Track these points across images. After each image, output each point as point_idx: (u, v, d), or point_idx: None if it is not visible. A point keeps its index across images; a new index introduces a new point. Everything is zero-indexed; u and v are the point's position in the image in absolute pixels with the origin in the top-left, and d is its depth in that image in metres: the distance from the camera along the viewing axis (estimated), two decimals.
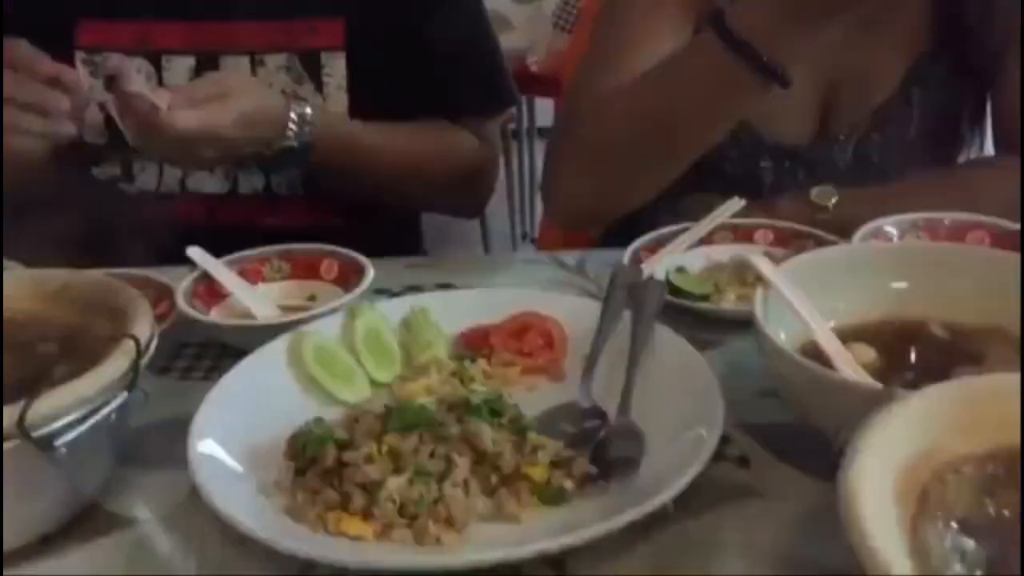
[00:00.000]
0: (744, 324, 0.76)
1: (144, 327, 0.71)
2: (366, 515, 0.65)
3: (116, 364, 0.67)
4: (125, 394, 0.67)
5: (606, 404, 0.76)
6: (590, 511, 0.65)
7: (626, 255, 0.96)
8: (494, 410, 0.72)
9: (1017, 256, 0.74)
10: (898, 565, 0.44)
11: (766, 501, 0.69)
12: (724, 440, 0.74)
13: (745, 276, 0.93)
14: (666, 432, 0.71)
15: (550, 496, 0.67)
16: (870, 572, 0.45)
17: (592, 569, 0.63)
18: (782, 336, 0.72)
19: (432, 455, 0.68)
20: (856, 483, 0.49)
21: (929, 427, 0.54)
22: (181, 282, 0.93)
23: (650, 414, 0.73)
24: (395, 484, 0.66)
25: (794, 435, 0.74)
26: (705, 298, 0.91)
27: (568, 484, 0.68)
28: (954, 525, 0.50)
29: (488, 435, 0.69)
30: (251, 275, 0.99)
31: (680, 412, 0.72)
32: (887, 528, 0.47)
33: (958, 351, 0.72)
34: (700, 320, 0.89)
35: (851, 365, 0.70)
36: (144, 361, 0.69)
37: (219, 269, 0.97)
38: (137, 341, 0.68)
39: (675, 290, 0.91)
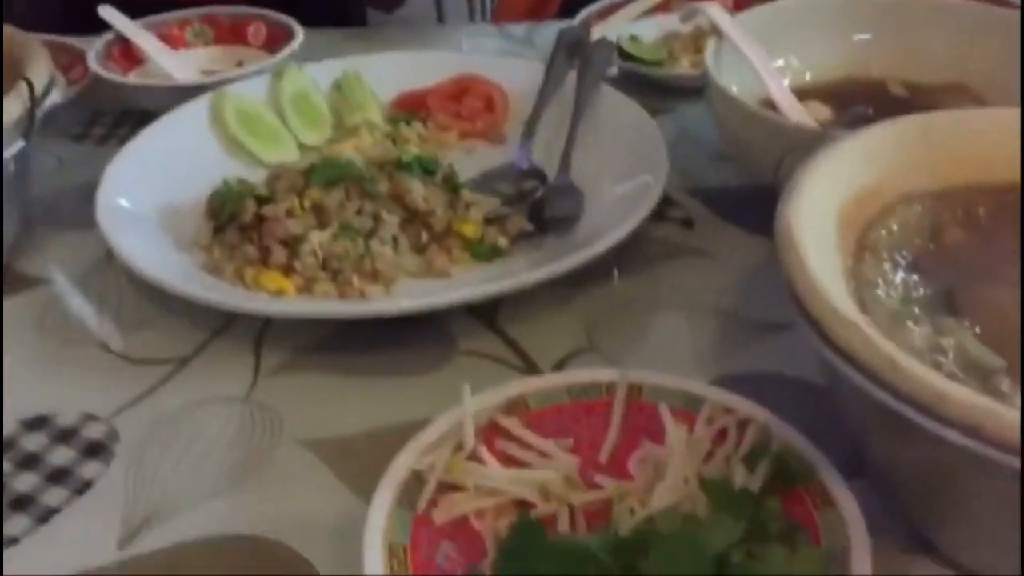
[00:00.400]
0: (698, 92, 0.72)
1: (40, 72, 0.64)
2: (287, 271, 0.62)
3: (9, 108, 0.61)
4: (22, 142, 0.62)
5: (547, 167, 0.72)
6: (524, 267, 0.63)
7: (576, 20, 0.90)
8: (426, 168, 0.68)
9: (988, 6, 0.69)
10: (835, 293, 0.42)
11: (709, 260, 0.66)
12: (668, 203, 0.71)
13: (701, 43, 0.87)
14: (607, 191, 0.68)
15: (483, 253, 0.64)
16: (808, 305, 0.42)
17: (524, 323, 0.61)
18: (734, 90, 0.67)
19: (360, 212, 0.64)
20: (795, 216, 0.45)
21: (877, 164, 0.50)
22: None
23: (592, 173, 0.70)
24: (318, 239, 0.62)
25: (741, 198, 0.71)
26: (659, 64, 0.86)
27: (502, 241, 0.65)
28: (899, 261, 0.48)
29: (419, 192, 0.65)
30: (172, 41, 0.91)
31: (623, 170, 0.68)
32: (825, 260, 0.45)
33: (916, 107, 0.68)
34: (652, 88, 0.84)
35: (804, 119, 0.66)
36: (41, 108, 0.63)
37: (135, 31, 0.89)
38: (31, 84, 0.62)
39: (627, 57, 0.86)
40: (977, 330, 0.43)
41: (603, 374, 0.52)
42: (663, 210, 0.71)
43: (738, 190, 0.72)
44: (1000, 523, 0.40)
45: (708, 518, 0.43)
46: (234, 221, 0.64)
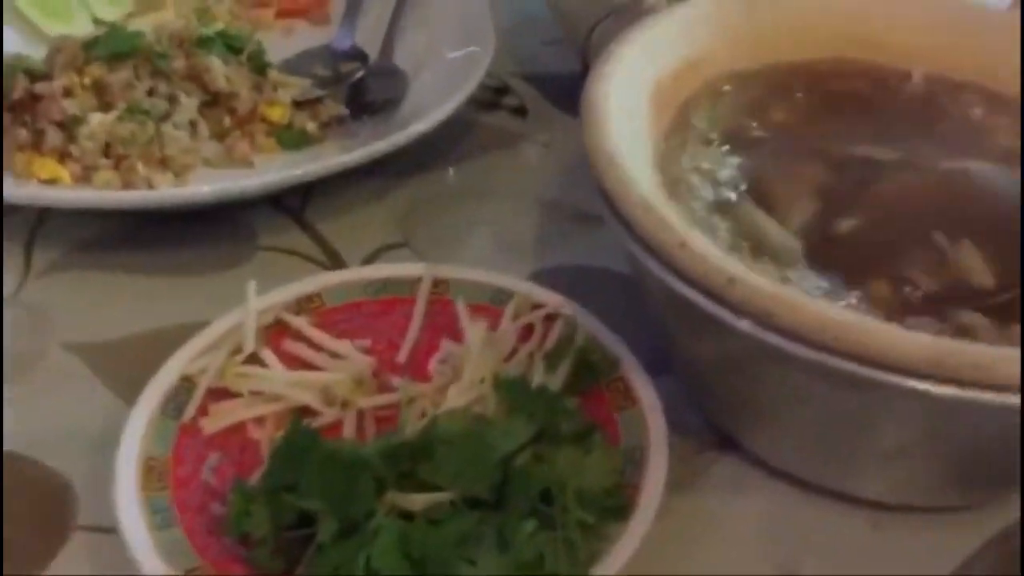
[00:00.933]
0: None
1: None
2: (63, 157, 0.55)
3: None
4: None
5: (371, 48, 0.66)
6: (336, 155, 0.57)
7: None
8: (231, 45, 0.61)
9: None
10: (634, 170, 0.38)
11: (540, 149, 0.62)
12: (501, 91, 0.67)
13: None
14: (433, 73, 0.62)
15: (290, 139, 0.58)
16: (604, 181, 0.38)
17: (335, 218, 0.56)
18: None
19: (152, 93, 0.58)
20: (602, 88, 0.41)
21: (699, 36, 0.46)
22: None
23: (417, 54, 0.64)
24: (99, 121, 0.55)
25: (576, 85, 0.66)
26: None
27: (311, 126, 0.59)
28: (715, 140, 0.44)
29: (220, 71, 0.58)
30: None
31: (450, 51, 0.63)
32: (633, 136, 0.41)
33: None
34: None
35: None
36: None
37: None
38: None
39: None
40: (789, 215, 0.41)
41: (407, 268, 0.48)
42: (496, 98, 0.66)
43: (573, 78, 0.67)
44: (801, 420, 0.38)
45: (497, 419, 0.39)
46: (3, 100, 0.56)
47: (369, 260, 0.53)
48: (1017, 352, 0.31)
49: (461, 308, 0.45)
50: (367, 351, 0.45)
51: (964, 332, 0.35)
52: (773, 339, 0.32)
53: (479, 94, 0.65)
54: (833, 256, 0.38)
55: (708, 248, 0.34)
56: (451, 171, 0.61)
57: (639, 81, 0.43)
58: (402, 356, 0.45)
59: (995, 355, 0.30)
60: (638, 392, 0.41)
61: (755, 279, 0.33)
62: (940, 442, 0.35)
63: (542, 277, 0.52)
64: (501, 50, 0.70)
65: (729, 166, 0.43)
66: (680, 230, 0.35)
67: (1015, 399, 0.30)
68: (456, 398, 0.41)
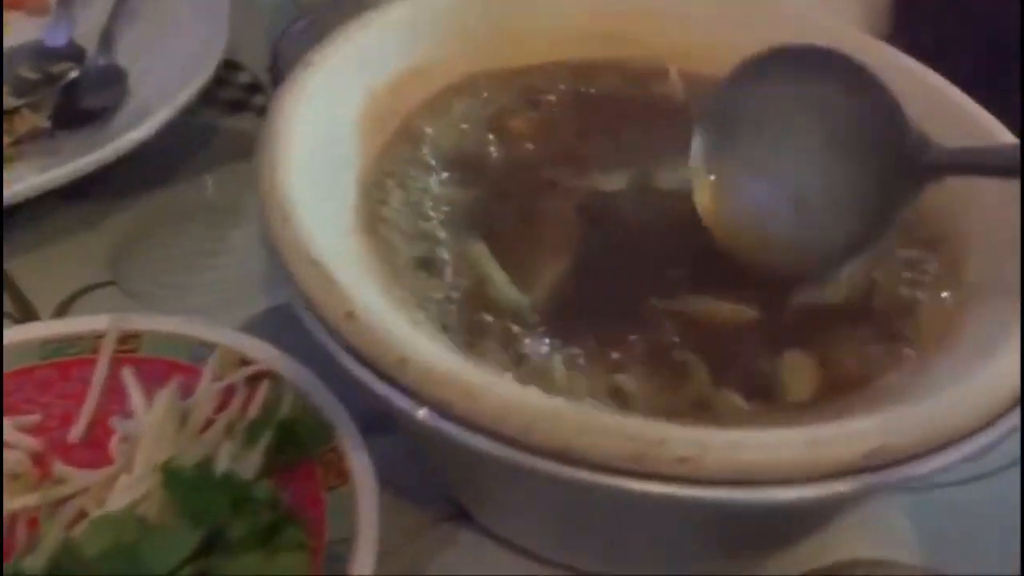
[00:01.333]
0: None
1: None
2: None
3: None
4: None
5: (91, 43, 0.57)
6: (32, 175, 0.48)
7: None
8: None
9: None
10: (312, 216, 0.31)
11: None
12: (254, 88, 0.59)
13: None
14: (158, 70, 0.54)
15: None
16: (271, 231, 0.31)
17: (28, 254, 0.47)
18: None
19: None
20: (290, 108, 0.34)
21: (423, 39, 0.39)
22: None
23: (143, 50, 0.55)
24: None
25: None
26: None
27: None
28: (438, 163, 0.38)
29: None
30: None
31: (181, 45, 0.55)
32: (329, 166, 0.34)
33: None
34: None
35: None
36: None
37: None
38: None
39: None
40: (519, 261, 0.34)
41: (90, 322, 0.40)
42: (246, 97, 0.58)
43: None
44: (520, 502, 0.32)
45: (162, 524, 0.32)
46: None
47: (66, 306, 0.45)
48: (738, 436, 0.26)
49: (128, 376, 0.37)
50: (34, 431, 0.37)
51: (679, 370, 0.30)
52: (451, 430, 0.26)
53: (222, 92, 0.57)
54: (562, 312, 0.32)
55: (383, 319, 0.28)
56: (210, 182, 0.53)
57: (345, 94, 0.36)
58: (75, 436, 0.37)
59: (706, 444, 0.25)
60: (351, 468, 0.35)
61: (432, 359, 0.27)
62: (669, 527, 0.30)
63: (274, 316, 0.44)
64: (255, 39, 0.62)
65: (455, 197, 0.37)
66: (352, 296, 0.28)
67: (731, 493, 0.25)
68: (122, 495, 0.34)
